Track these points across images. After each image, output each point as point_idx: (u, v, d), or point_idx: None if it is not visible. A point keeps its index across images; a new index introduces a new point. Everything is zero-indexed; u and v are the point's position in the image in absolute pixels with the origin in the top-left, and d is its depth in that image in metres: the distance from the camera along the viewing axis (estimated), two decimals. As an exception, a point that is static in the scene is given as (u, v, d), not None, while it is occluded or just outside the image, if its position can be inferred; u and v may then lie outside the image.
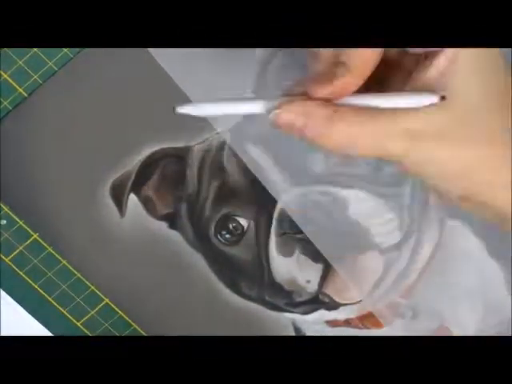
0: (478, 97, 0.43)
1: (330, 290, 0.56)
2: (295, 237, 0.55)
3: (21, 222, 0.56)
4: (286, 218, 0.54)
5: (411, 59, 0.46)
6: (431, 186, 0.46)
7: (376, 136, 0.43)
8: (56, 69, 0.54)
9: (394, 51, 0.47)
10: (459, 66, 0.43)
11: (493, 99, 0.43)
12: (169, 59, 0.53)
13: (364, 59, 0.43)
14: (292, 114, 0.43)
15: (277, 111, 0.43)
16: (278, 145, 0.53)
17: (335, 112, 0.43)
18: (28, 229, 0.56)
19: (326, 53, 0.44)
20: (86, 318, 0.57)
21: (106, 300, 0.57)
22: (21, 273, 0.56)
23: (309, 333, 0.57)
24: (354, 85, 0.43)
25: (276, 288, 0.56)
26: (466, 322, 0.56)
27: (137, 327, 0.57)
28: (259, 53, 0.52)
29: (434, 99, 0.43)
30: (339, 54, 0.43)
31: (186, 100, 0.53)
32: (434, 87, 0.43)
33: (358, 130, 0.43)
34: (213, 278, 0.56)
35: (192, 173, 0.55)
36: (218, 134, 0.54)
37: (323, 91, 0.43)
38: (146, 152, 0.55)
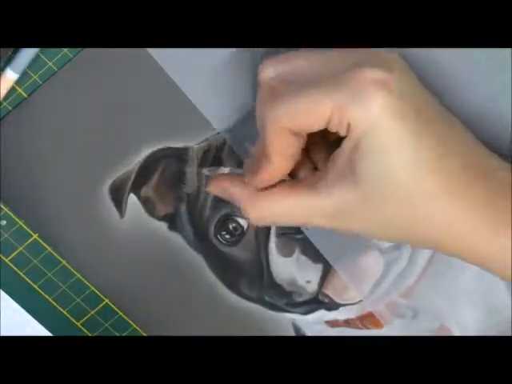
0: (382, 178, 0.43)
1: (330, 290, 0.56)
2: (295, 237, 0.55)
3: (21, 222, 0.56)
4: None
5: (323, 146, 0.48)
6: None
7: (299, 215, 0.46)
8: (56, 69, 0.54)
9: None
10: (364, 149, 0.43)
11: (396, 181, 0.43)
12: (169, 59, 0.53)
13: (284, 154, 0.45)
14: (218, 189, 0.49)
15: (208, 185, 0.50)
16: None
17: (252, 198, 0.47)
18: (28, 229, 0.56)
19: (255, 147, 0.47)
20: (86, 318, 0.57)
21: (106, 300, 0.57)
22: (21, 273, 0.56)
23: (309, 333, 0.57)
24: (278, 174, 0.46)
25: (276, 288, 0.56)
26: (466, 322, 0.56)
27: (137, 327, 0.57)
28: (259, 54, 0.52)
29: None
30: (265, 147, 0.45)
31: (187, 100, 0.54)
32: (344, 171, 0.44)
33: (281, 208, 0.46)
34: (213, 278, 0.56)
35: (192, 173, 0.55)
36: (218, 134, 0.54)
37: (251, 181, 0.47)
38: (146, 152, 0.55)
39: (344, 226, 0.45)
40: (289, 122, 0.44)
